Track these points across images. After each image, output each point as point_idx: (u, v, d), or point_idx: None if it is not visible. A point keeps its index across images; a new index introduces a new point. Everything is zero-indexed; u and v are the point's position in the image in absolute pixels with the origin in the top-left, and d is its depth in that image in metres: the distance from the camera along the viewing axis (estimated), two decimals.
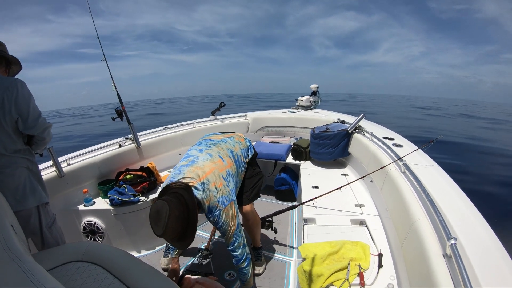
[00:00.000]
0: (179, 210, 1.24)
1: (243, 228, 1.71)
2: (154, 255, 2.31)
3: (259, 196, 1.95)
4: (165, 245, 2.23)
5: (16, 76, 1.60)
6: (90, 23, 2.53)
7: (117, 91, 2.61)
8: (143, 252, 2.35)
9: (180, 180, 1.39)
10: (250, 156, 1.85)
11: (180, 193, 1.29)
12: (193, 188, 1.37)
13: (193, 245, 2.31)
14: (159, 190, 1.52)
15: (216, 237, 2.47)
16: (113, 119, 2.62)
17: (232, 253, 1.57)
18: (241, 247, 1.56)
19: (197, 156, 1.56)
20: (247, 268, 1.61)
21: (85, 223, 2.21)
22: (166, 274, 2.04)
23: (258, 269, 2.02)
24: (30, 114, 1.44)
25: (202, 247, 2.24)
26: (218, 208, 1.41)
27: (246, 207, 1.86)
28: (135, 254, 2.28)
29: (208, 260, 2.12)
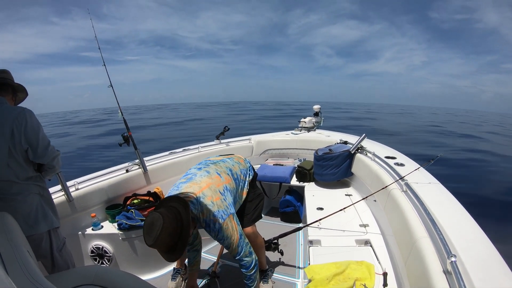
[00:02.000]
0: (172, 227, 1.26)
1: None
2: (161, 278, 2.32)
3: (261, 217, 1.98)
4: (172, 268, 2.24)
5: (22, 104, 1.66)
6: (94, 27, 2.64)
7: (123, 118, 2.69)
8: (151, 276, 2.35)
9: (178, 195, 1.44)
10: (250, 177, 1.90)
11: (177, 208, 1.32)
12: (189, 203, 1.41)
13: (200, 267, 2.33)
14: None
15: (223, 260, 2.48)
16: (120, 144, 2.68)
17: (240, 261, 1.59)
18: (248, 254, 1.59)
19: (195, 174, 1.61)
20: (255, 274, 1.63)
21: (93, 247, 2.24)
22: None
23: None
24: (40, 144, 1.49)
25: (209, 269, 2.25)
26: (217, 223, 1.44)
27: (248, 229, 1.89)
28: (143, 277, 2.29)
29: (215, 282, 2.12)
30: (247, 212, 1.89)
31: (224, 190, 1.59)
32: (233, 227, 1.50)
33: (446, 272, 1.08)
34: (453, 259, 1.04)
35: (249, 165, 1.96)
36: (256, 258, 1.65)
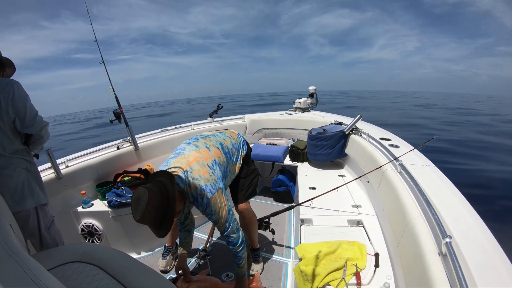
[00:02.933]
0: (157, 201, 1.24)
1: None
2: (152, 256, 2.31)
3: (256, 194, 1.96)
4: (163, 246, 2.23)
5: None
6: (84, 29, 2.61)
7: (115, 93, 2.62)
8: (142, 254, 2.34)
9: (165, 170, 1.40)
10: (244, 151, 1.86)
11: (163, 182, 1.29)
12: (176, 178, 1.38)
13: (191, 246, 2.32)
14: None
15: (214, 238, 2.47)
16: (111, 121, 2.62)
17: (227, 238, 1.57)
18: (235, 231, 1.57)
19: (183, 148, 1.58)
20: (242, 251, 1.61)
21: (83, 225, 2.21)
22: (164, 275, 2.04)
23: (256, 270, 2.02)
24: (28, 113, 1.46)
25: (200, 248, 2.24)
26: (205, 197, 1.41)
27: (242, 205, 1.86)
28: (133, 255, 2.28)
29: (205, 261, 2.12)
30: (241, 188, 1.86)
31: (213, 164, 1.54)
32: (221, 202, 1.47)
33: (440, 253, 1.06)
34: (448, 239, 1.02)
35: (242, 139, 1.91)
36: (243, 235, 1.62)
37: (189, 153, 1.53)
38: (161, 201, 1.25)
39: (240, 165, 1.82)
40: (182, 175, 1.40)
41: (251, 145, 3.39)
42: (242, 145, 1.87)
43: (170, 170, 1.41)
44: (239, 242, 1.58)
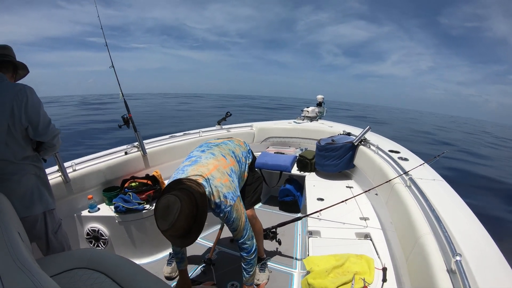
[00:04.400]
0: (189, 209, 1.21)
1: None
2: (157, 263, 2.31)
3: (260, 201, 1.97)
4: (168, 253, 2.23)
5: (22, 81, 1.61)
6: (101, 13, 2.60)
7: (124, 99, 2.64)
8: (146, 260, 2.34)
9: (188, 178, 1.38)
10: (250, 160, 1.87)
11: (191, 191, 1.27)
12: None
13: (196, 254, 2.32)
14: None
15: (219, 247, 2.47)
16: (120, 126, 2.63)
17: (242, 245, 1.56)
18: (251, 238, 1.56)
19: (199, 156, 1.56)
20: (254, 259, 1.61)
21: (89, 229, 2.22)
22: (169, 282, 2.04)
23: (262, 280, 2.00)
24: (41, 121, 1.46)
25: (205, 256, 2.24)
26: (228, 204, 1.40)
27: (248, 212, 1.86)
28: (137, 262, 2.28)
29: (210, 269, 2.11)
30: (246, 195, 1.87)
31: (230, 172, 1.55)
32: (240, 209, 1.47)
33: (450, 271, 1.05)
34: (458, 258, 1.01)
35: (248, 148, 1.93)
36: (256, 243, 1.62)
37: (207, 161, 1.51)
38: (191, 208, 1.23)
39: (247, 173, 1.84)
40: (204, 183, 1.38)
41: (259, 154, 3.40)
42: (248, 153, 1.89)
43: (192, 178, 1.38)
44: (253, 249, 1.58)
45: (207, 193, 1.36)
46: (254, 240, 1.60)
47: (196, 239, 1.29)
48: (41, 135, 1.48)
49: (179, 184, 1.32)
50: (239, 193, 1.52)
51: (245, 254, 1.58)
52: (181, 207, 1.18)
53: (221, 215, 1.44)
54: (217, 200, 1.39)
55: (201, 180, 1.38)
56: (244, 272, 1.63)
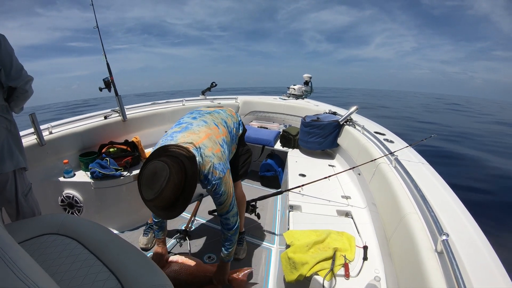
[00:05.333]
0: (178, 178, 1.12)
1: None
2: (133, 233, 2.23)
3: (247, 174, 1.90)
4: (145, 223, 2.15)
5: None
6: (79, 17, 2.48)
7: (106, 60, 2.47)
8: (122, 230, 2.25)
9: (178, 145, 1.27)
10: (241, 131, 1.78)
11: (181, 159, 1.17)
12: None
13: (172, 226, 2.25)
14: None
15: (197, 218, 2.41)
16: (101, 89, 2.48)
17: (225, 220, 1.48)
18: (235, 215, 1.50)
19: (191, 123, 1.46)
20: (235, 236, 1.55)
21: (63, 196, 2.09)
22: (145, 253, 1.97)
23: (240, 254, 1.97)
24: (14, 65, 1.37)
25: (182, 227, 2.18)
26: (218, 176, 1.31)
27: (235, 184, 1.80)
28: (113, 230, 2.19)
29: (186, 241, 2.06)
30: (234, 167, 1.78)
31: (222, 143, 1.46)
32: (229, 182, 1.39)
33: (436, 250, 1.04)
34: (444, 237, 0.99)
35: (239, 119, 1.82)
36: (238, 220, 1.56)
37: (199, 128, 1.41)
38: (180, 178, 1.13)
39: (236, 145, 1.75)
40: (194, 151, 1.28)
41: None
42: (240, 125, 1.79)
43: (182, 145, 1.28)
44: (236, 226, 1.52)
45: (197, 162, 1.26)
46: (237, 217, 1.54)
47: (182, 212, 1.20)
48: (14, 79, 1.38)
49: (167, 151, 1.21)
50: (229, 166, 1.43)
51: (226, 230, 1.52)
52: (170, 174, 1.09)
53: (209, 187, 1.34)
54: (206, 171, 1.30)
55: (190, 148, 1.27)
56: (223, 248, 1.57)
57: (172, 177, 1.10)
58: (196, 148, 1.30)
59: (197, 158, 1.27)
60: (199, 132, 1.39)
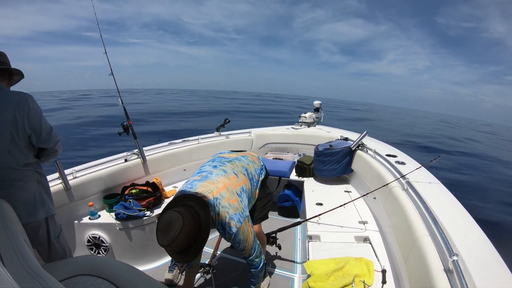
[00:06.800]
0: (191, 228, 1.19)
1: None
2: (159, 269, 2.31)
3: (267, 218, 1.93)
4: (170, 259, 2.23)
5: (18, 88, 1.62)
6: (98, 7, 2.61)
7: (123, 106, 2.67)
8: (147, 267, 2.34)
9: (195, 194, 1.35)
10: (263, 176, 1.83)
11: (195, 208, 1.24)
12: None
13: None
14: (163, 206, 1.46)
15: (219, 252, 2.47)
16: (119, 133, 2.65)
17: (250, 262, 1.54)
18: (259, 255, 1.55)
19: (211, 172, 1.52)
20: (261, 273, 1.61)
21: (89, 236, 2.22)
22: None
23: (262, 285, 2.01)
24: (43, 129, 1.50)
25: (205, 262, 2.24)
26: (234, 226, 1.36)
27: (255, 227, 1.85)
28: (139, 268, 2.28)
29: (210, 275, 2.11)
30: (256, 210, 1.84)
31: (241, 192, 1.51)
32: (248, 229, 1.44)
33: (447, 271, 1.08)
34: (455, 258, 1.04)
35: (262, 164, 1.88)
36: (265, 258, 1.61)
37: (217, 178, 1.47)
38: (193, 228, 1.20)
39: (259, 190, 1.79)
40: (211, 202, 1.34)
41: None
42: (262, 170, 1.85)
43: (199, 195, 1.35)
44: (261, 265, 1.57)
45: (212, 214, 1.33)
46: (263, 256, 1.59)
47: (193, 259, 1.29)
48: (44, 141, 1.51)
49: (184, 200, 1.30)
50: (247, 213, 1.48)
51: (253, 270, 1.58)
52: (183, 226, 1.16)
53: (226, 236, 1.41)
54: (223, 222, 1.36)
55: (208, 199, 1.35)
56: (250, 284, 1.64)
57: (185, 228, 1.16)
58: (213, 198, 1.35)
59: (213, 209, 1.34)
60: (218, 182, 1.43)
